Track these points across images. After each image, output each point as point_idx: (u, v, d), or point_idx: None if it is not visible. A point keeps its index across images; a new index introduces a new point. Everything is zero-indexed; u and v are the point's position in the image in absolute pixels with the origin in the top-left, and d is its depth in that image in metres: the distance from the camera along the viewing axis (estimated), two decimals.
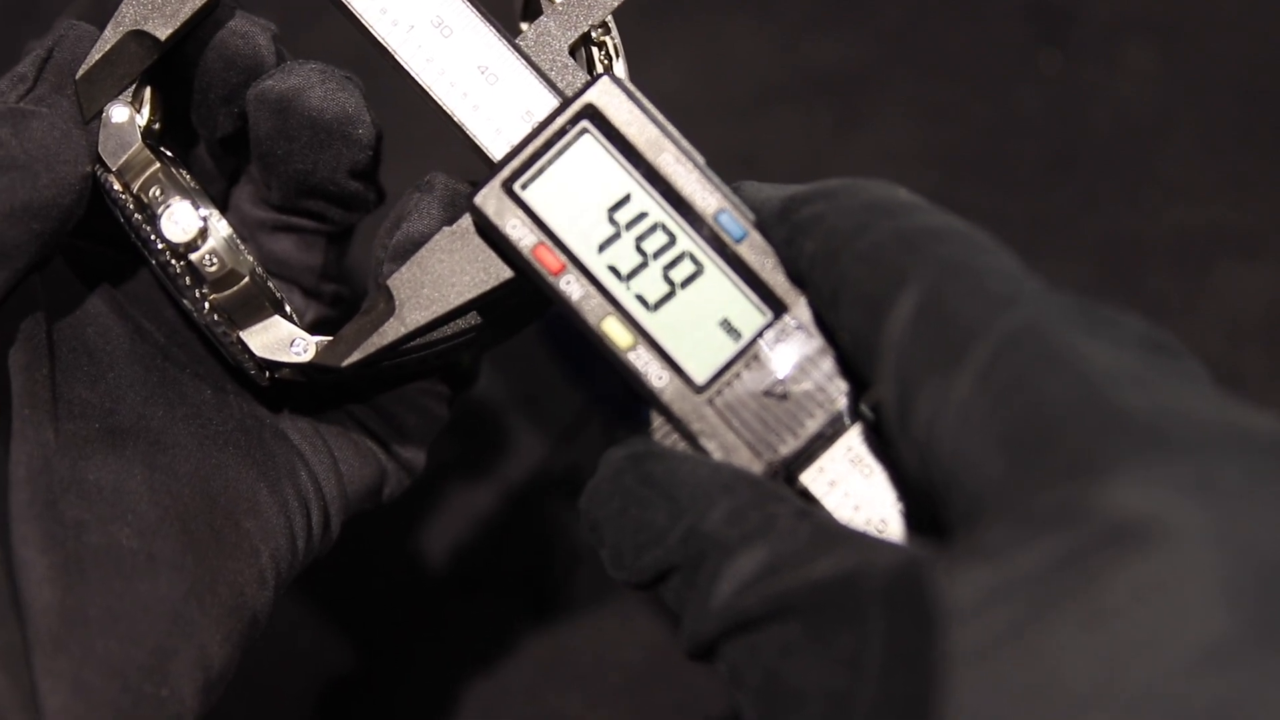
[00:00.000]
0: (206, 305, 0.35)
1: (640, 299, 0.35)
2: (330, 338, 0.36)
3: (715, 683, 0.52)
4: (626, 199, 0.35)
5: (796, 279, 0.34)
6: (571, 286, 0.34)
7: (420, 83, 0.36)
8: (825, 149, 0.62)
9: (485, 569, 0.55)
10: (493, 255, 0.35)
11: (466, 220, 0.35)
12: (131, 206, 0.35)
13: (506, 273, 0.35)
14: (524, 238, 0.34)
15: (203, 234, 0.35)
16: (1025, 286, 0.29)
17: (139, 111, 0.36)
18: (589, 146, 0.35)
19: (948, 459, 0.28)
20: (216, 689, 0.35)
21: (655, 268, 0.35)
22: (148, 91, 0.37)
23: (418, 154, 0.50)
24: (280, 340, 0.36)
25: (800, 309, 0.34)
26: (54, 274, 0.37)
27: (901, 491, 0.34)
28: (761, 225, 0.35)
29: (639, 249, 0.35)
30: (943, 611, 0.26)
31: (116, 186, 0.35)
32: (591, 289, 0.34)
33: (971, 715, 0.25)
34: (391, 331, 0.35)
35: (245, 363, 0.36)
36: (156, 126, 0.37)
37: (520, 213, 0.35)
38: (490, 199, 0.35)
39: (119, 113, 0.35)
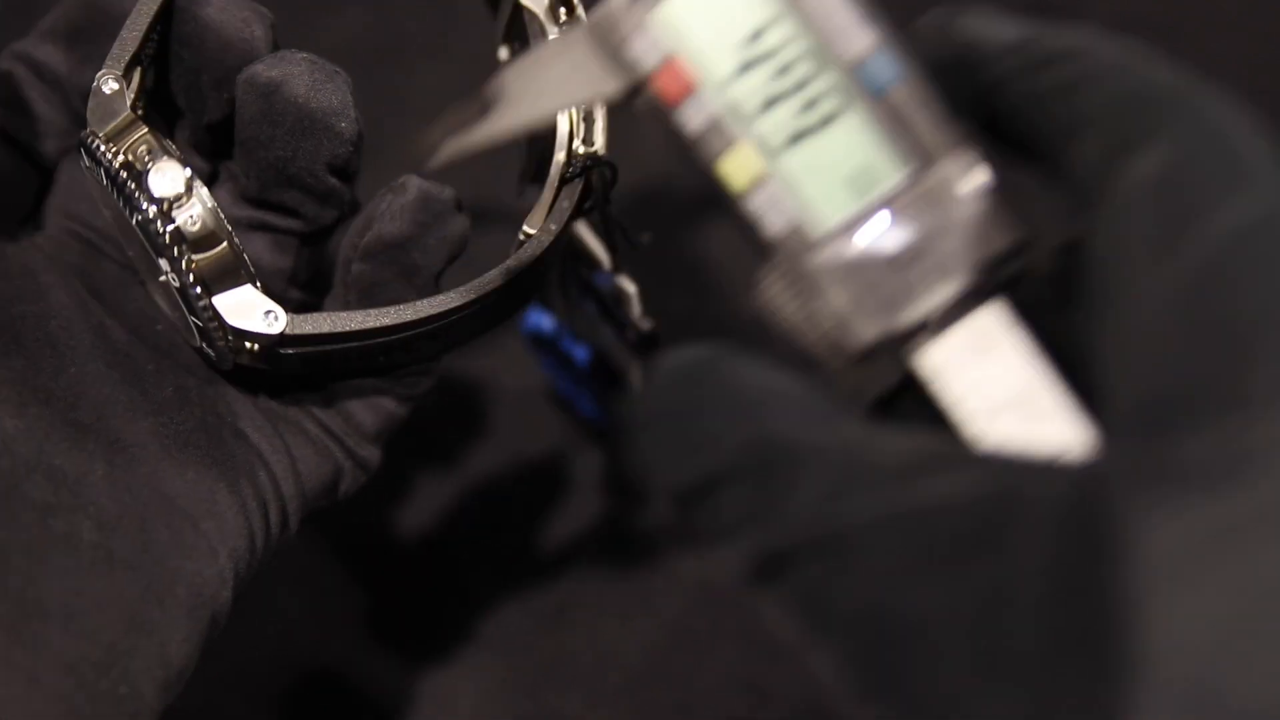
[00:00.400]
0: (184, 264, 0.35)
1: (766, 138, 0.31)
2: (301, 315, 0.36)
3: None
4: (766, 26, 0.31)
5: (993, 120, 0.30)
6: (691, 116, 0.31)
7: None
8: None
9: (484, 568, 0.55)
10: (606, 67, 0.31)
11: (583, 26, 0.32)
12: (117, 165, 0.35)
13: (616, 87, 0.31)
14: (647, 55, 0.31)
15: (188, 192, 0.35)
16: (1276, 173, 0.26)
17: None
18: None
19: (1147, 349, 0.24)
20: (176, 687, 0.35)
21: (788, 106, 0.31)
22: (137, 73, 0.37)
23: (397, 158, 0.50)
24: (253, 309, 0.35)
25: (950, 167, 0.30)
26: (18, 266, 0.37)
27: (1023, 381, 0.30)
28: (941, 67, 0.30)
29: (773, 84, 0.31)
30: (1129, 540, 0.23)
31: (103, 148, 0.35)
32: (712, 121, 0.31)
33: (1173, 653, 0.22)
34: (485, 130, 0.32)
35: (214, 334, 0.36)
36: (140, 111, 0.37)
37: (646, 27, 0.31)
38: (617, 7, 0.31)
39: (110, 85, 0.36)
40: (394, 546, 0.56)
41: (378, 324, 0.36)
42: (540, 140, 0.43)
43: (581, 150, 0.41)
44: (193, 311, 0.36)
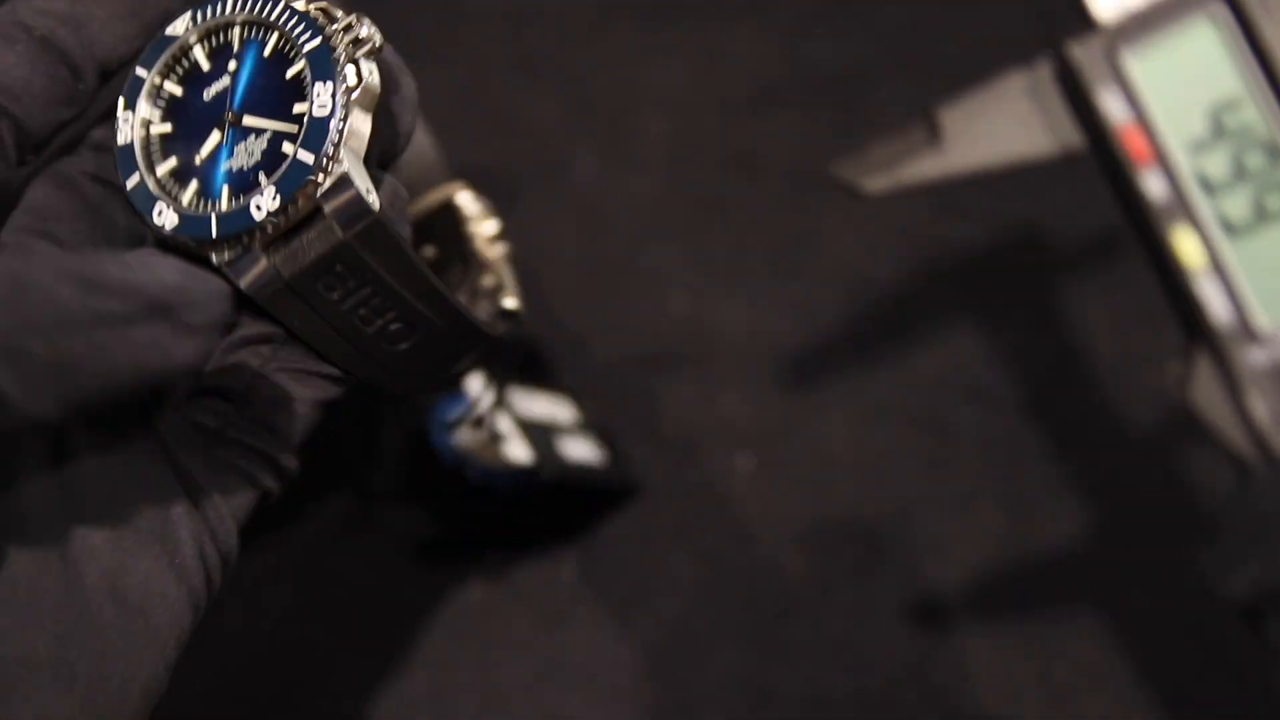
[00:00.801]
0: (343, 101, 0.35)
1: (1222, 220, 0.30)
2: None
3: (715, 683, 0.53)
4: (1237, 102, 0.30)
5: None
6: (1152, 183, 0.30)
7: None
8: (825, 149, 0.61)
9: (484, 568, 0.55)
10: (1066, 117, 0.31)
11: (1045, 68, 0.31)
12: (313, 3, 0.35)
13: (1077, 141, 0.31)
14: (1116, 112, 0.30)
15: (377, 56, 0.35)
16: None
17: None
18: (1212, 30, 0.30)
19: None
20: None
21: (1249, 190, 0.30)
22: None
23: None
24: (363, 176, 0.35)
25: None
26: None
27: None
28: None
29: (1236, 163, 0.30)
30: None
31: None
32: (1172, 191, 0.30)
33: None
34: (931, 165, 0.31)
35: (309, 183, 0.34)
36: None
37: (1118, 83, 0.30)
38: (1088, 56, 0.30)
39: None
40: (392, 546, 0.56)
41: (430, 281, 0.36)
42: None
43: (509, 305, 0.43)
44: (314, 147, 0.34)
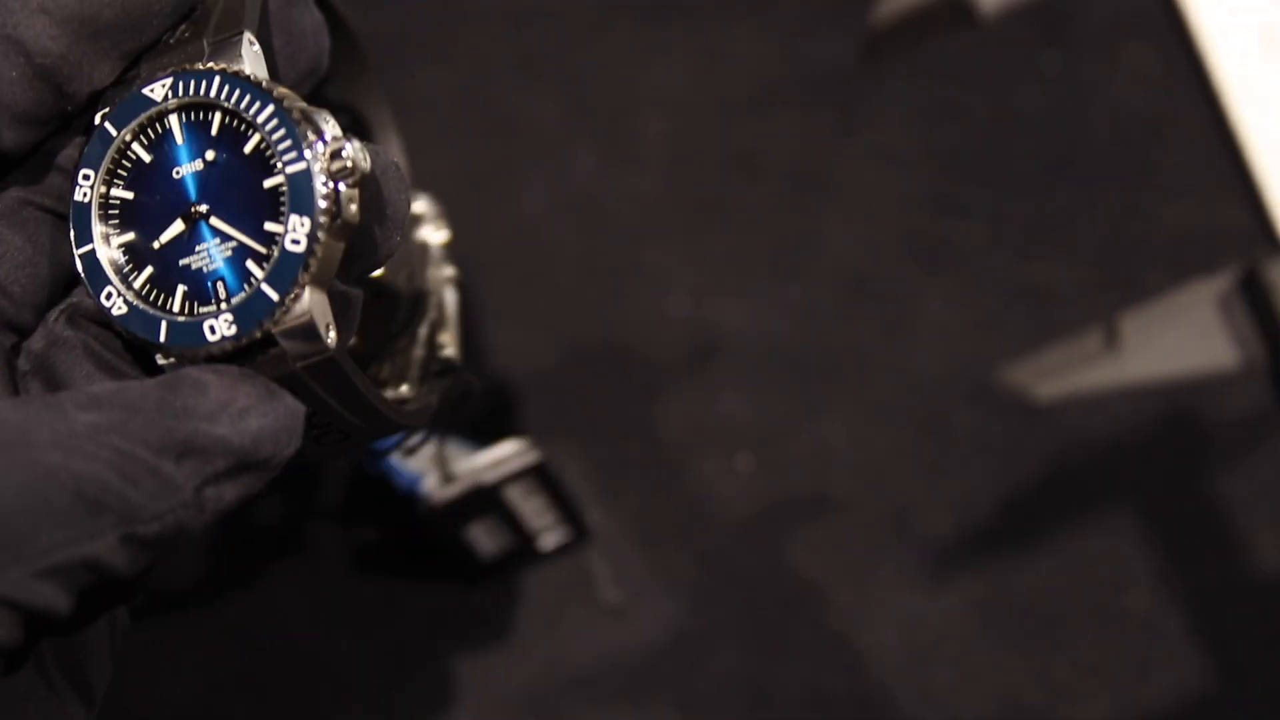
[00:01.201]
0: (317, 231, 0.33)
1: None
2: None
3: (715, 683, 0.53)
4: None
5: None
6: None
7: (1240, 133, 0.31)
8: (825, 149, 0.62)
9: (484, 569, 0.55)
10: (1256, 335, 0.30)
11: (1233, 281, 0.30)
12: (292, 101, 0.34)
13: (1241, 362, 0.30)
14: None
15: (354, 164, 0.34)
16: None
17: None
18: None
19: None
20: None
21: None
22: None
23: None
24: (325, 313, 0.33)
25: None
26: None
27: None
28: None
29: None
30: None
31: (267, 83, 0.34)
32: None
33: None
34: (1107, 373, 0.31)
35: (266, 314, 0.34)
36: None
37: None
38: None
39: (255, 49, 0.35)
40: (392, 545, 0.56)
41: (371, 403, 0.35)
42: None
43: (447, 353, 0.42)
44: (281, 285, 0.33)
